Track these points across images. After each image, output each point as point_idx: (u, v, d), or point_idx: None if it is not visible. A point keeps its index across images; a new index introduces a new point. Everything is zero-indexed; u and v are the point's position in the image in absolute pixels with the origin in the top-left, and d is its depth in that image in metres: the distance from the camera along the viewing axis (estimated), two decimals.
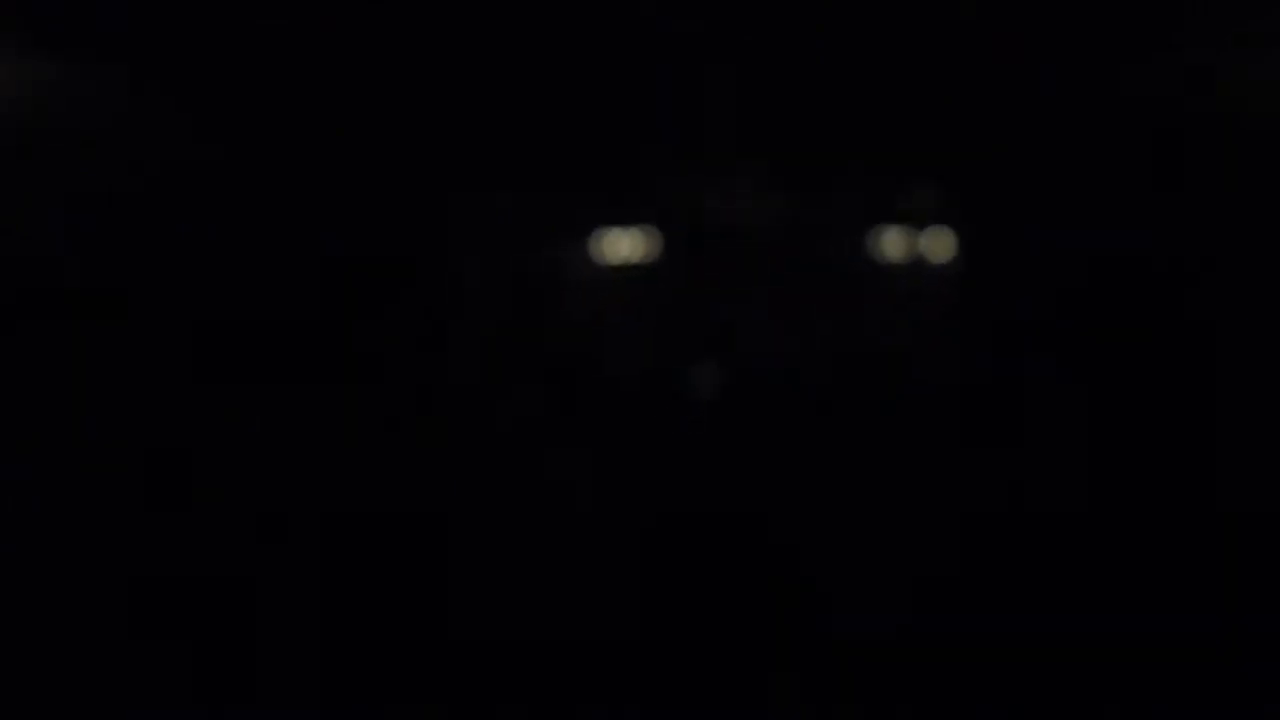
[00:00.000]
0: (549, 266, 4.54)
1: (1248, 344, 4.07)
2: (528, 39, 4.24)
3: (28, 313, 3.89)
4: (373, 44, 4.15)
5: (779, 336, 4.51)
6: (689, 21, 4.26)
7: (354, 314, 4.19)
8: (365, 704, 3.77)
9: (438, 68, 4.29)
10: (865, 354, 4.50)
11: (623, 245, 4.52)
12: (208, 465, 3.97)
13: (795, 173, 4.59)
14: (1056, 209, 4.37)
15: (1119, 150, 4.27)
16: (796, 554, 4.08)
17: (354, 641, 3.86)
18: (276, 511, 3.97)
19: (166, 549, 3.88)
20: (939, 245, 4.48)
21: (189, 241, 4.08)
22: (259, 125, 4.18)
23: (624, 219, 4.54)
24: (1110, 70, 4.23)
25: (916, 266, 4.57)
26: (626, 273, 4.55)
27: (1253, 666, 3.72)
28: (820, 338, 4.53)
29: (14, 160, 3.90)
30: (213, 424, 3.99)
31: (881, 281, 4.57)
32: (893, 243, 4.53)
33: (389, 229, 4.24)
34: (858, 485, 4.22)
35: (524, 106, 4.36)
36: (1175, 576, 3.89)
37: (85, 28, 3.95)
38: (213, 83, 4.11)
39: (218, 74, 4.11)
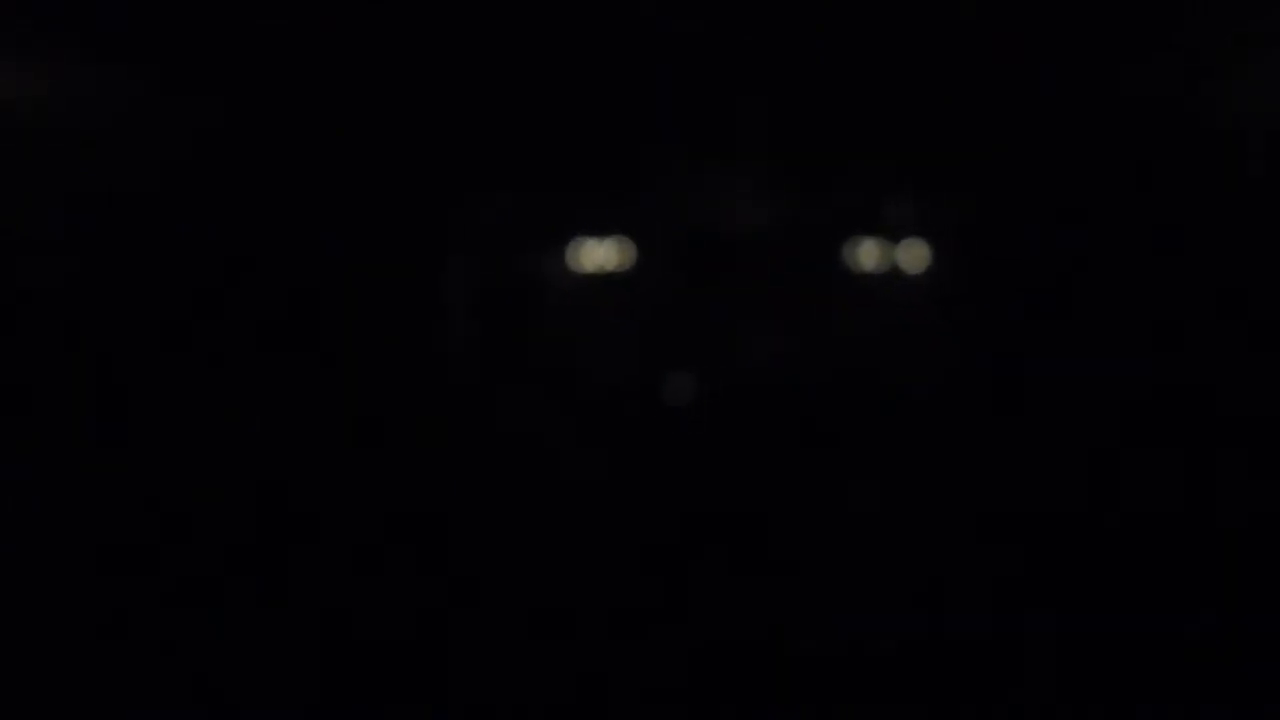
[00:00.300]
0: (530, 273, 4.56)
1: (1243, 345, 4.07)
2: (519, 49, 4.25)
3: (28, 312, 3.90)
4: (362, 59, 4.16)
5: (760, 344, 4.54)
6: (683, 22, 4.27)
7: (345, 315, 4.20)
8: (359, 705, 3.77)
9: (429, 77, 4.29)
10: (845, 361, 4.53)
11: (603, 253, 4.55)
12: (203, 460, 3.98)
13: (779, 181, 4.59)
14: (1053, 212, 4.38)
15: (1117, 153, 4.28)
16: (780, 556, 4.10)
17: (351, 640, 3.87)
18: (271, 508, 3.98)
19: (166, 547, 3.89)
20: (918, 255, 4.50)
21: (183, 242, 4.09)
22: (248, 131, 4.18)
23: (606, 227, 4.56)
24: (1110, 72, 4.24)
25: (895, 276, 4.58)
26: (609, 280, 4.57)
27: (1253, 666, 3.72)
28: (801, 345, 4.55)
29: (13, 161, 3.91)
30: (205, 420, 4.00)
31: (864, 291, 4.59)
32: (871, 253, 4.55)
33: (381, 232, 4.25)
34: (840, 490, 4.24)
35: (510, 114, 4.36)
36: (1164, 576, 3.89)
37: (85, 28, 3.95)
38: (205, 90, 4.12)
39: (210, 82, 4.12)
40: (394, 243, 4.28)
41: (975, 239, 4.47)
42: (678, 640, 3.92)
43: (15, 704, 3.64)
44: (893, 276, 4.55)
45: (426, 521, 4.09)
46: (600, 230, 4.50)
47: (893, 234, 4.52)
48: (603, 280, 4.50)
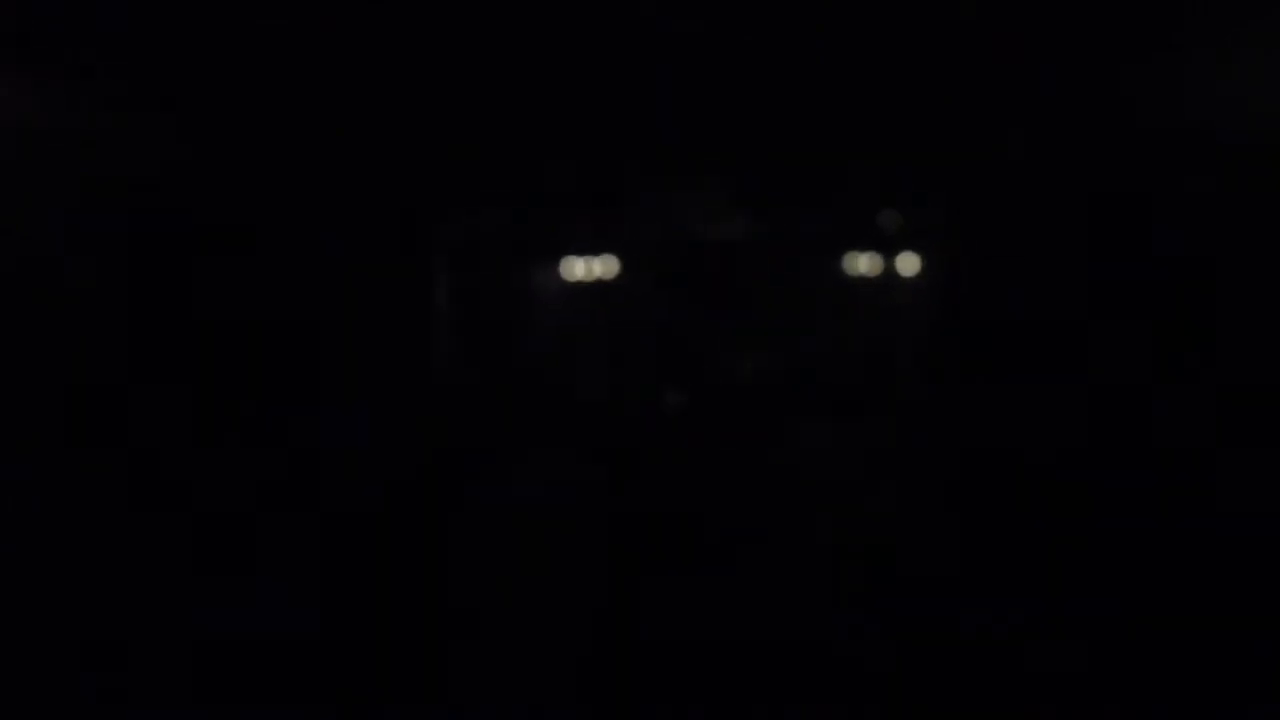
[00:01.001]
0: (523, 286, 4.59)
1: (1238, 344, 4.06)
2: (517, 59, 4.27)
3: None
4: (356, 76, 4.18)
5: (752, 354, 4.55)
6: (686, 22, 4.28)
7: (343, 319, 4.23)
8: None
9: (429, 99, 4.32)
10: (834, 365, 4.54)
11: (596, 267, 4.57)
12: (200, 462, 4.01)
13: (778, 196, 4.61)
14: (1053, 217, 4.38)
15: (1115, 154, 4.27)
16: (770, 558, 4.10)
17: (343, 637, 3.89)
18: (264, 504, 4.01)
19: (162, 544, 3.92)
20: (908, 266, 4.52)
21: (189, 247, 4.12)
22: (260, 147, 4.22)
23: (598, 242, 4.59)
24: (1109, 78, 4.23)
25: (887, 286, 4.60)
26: (602, 293, 4.60)
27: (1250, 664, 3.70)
28: (791, 355, 4.57)
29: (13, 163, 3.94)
30: (203, 422, 4.03)
31: (855, 300, 4.61)
32: (867, 263, 4.58)
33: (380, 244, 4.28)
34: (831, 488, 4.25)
35: (504, 129, 4.38)
36: (1153, 572, 3.88)
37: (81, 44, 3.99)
38: (208, 105, 4.15)
39: (213, 97, 4.15)
40: (384, 256, 4.32)
41: (970, 245, 4.48)
42: (661, 639, 3.93)
43: (15, 704, 3.66)
44: (885, 288, 4.57)
45: (421, 522, 4.12)
46: (592, 246, 4.55)
47: (886, 245, 4.55)
48: (595, 293, 4.54)
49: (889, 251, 4.63)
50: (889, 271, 4.63)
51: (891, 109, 4.39)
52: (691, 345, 4.59)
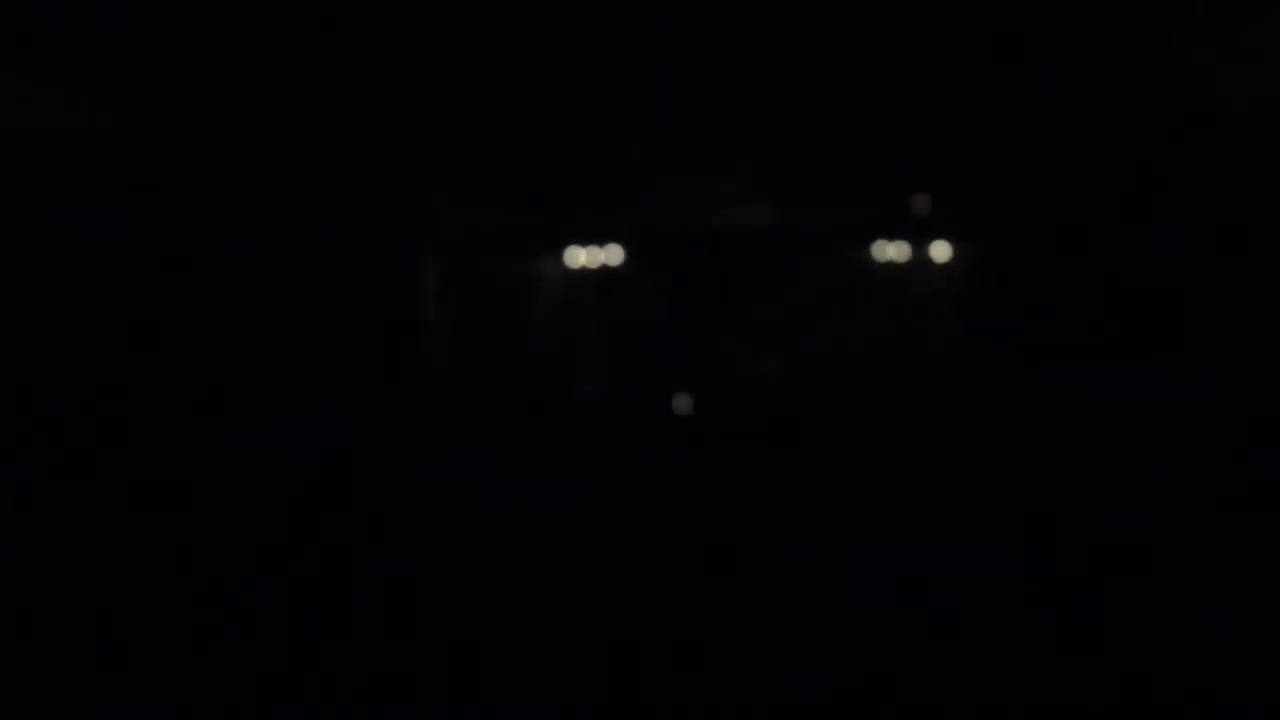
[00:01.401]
0: (532, 278, 4.59)
1: (1238, 338, 4.06)
2: (517, 56, 4.27)
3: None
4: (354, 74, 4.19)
5: (769, 352, 4.55)
6: (690, 21, 4.29)
7: (345, 316, 4.23)
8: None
9: (429, 92, 4.32)
10: (857, 366, 4.54)
11: (605, 255, 4.58)
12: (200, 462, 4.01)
13: (800, 186, 4.60)
14: (1059, 215, 4.38)
15: (1117, 152, 4.27)
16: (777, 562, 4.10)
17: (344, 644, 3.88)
18: (261, 503, 4.00)
19: (163, 546, 3.92)
20: (939, 253, 4.52)
21: (189, 244, 4.12)
22: (260, 146, 4.22)
23: (610, 232, 4.59)
24: (1110, 73, 4.24)
25: (909, 277, 4.60)
26: (614, 285, 4.60)
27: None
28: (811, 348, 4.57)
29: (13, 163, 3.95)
30: (204, 417, 4.03)
31: (874, 290, 4.61)
32: (895, 250, 4.58)
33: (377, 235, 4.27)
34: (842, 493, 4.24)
35: (511, 124, 4.38)
36: (1167, 565, 3.88)
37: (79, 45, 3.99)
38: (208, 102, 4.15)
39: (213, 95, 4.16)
40: (382, 253, 4.31)
41: (988, 239, 4.48)
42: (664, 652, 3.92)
43: (15, 704, 3.66)
44: (914, 276, 4.57)
45: (419, 524, 4.11)
46: (597, 235, 4.54)
47: (915, 231, 4.54)
48: (599, 283, 4.53)
49: (917, 238, 4.60)
50: (919, 259, 4.59)
51: (895, 98, 4.39)
52: (701, 341, 4.56)
